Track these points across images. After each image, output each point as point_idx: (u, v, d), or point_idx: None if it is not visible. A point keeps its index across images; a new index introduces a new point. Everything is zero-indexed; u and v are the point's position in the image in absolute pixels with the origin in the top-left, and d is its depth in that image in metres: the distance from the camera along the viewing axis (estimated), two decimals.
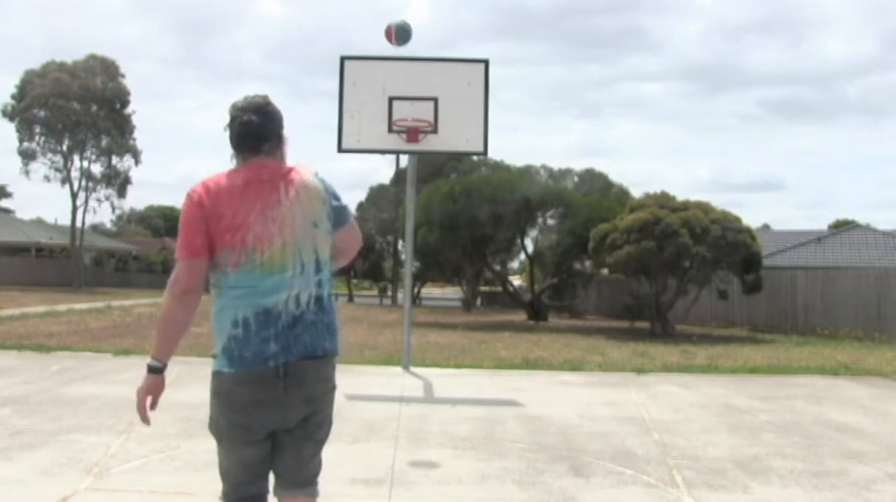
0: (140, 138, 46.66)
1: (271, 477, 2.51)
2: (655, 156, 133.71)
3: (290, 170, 2.43)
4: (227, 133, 2.45)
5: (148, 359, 2.40)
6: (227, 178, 2.38)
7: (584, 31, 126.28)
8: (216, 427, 2.43)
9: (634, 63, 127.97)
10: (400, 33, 8.95)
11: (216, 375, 2.38)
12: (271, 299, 2.31)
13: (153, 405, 2.39)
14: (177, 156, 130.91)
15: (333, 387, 2.51)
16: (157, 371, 2.37)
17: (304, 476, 2.47)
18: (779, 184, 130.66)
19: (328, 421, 2.51)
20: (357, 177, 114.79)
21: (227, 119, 2.46)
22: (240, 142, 2.43)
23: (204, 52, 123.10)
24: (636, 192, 30.12)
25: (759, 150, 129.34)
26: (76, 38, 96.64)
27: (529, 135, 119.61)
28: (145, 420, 2.39)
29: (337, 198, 2.50)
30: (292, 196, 2.37)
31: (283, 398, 2.33)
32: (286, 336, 2.32)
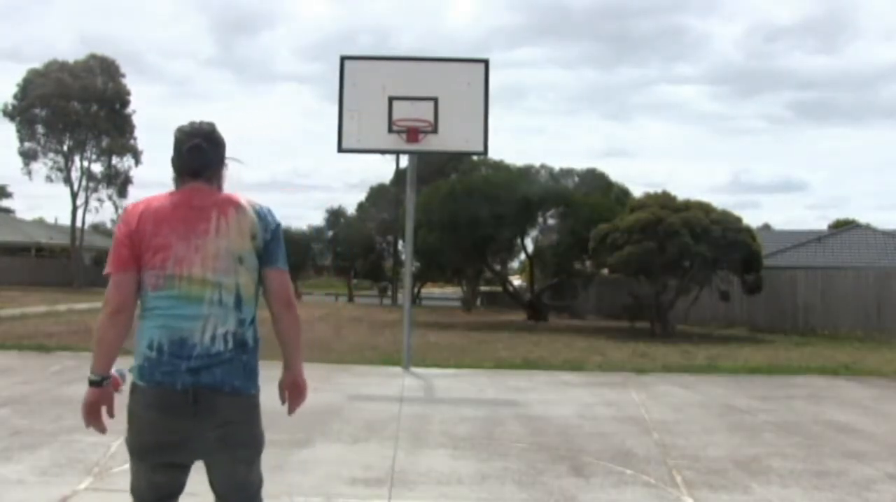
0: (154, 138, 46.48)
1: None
2: (680, 157, 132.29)
3: (227, 200, 2.41)
4: (172, 157, 2.46)
5: (88, 374, 2.38)
6: (159, 200, 2.40)
7: (619, 34, 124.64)
8: (130, 445, 2.43)
9: (666, 66, 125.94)
10: None
11: (134, 390, 2.38)
12: (187, 327, 2.31)
13: (109, 412, 2.40)
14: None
15: (253, 408, 2.43)
16: (96, 384, 2.36)
17: (242, 495, 2.48)
18: (801, 185, 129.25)
19: (255, 440, 2.45)
20: (363, 176, 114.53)
21: (174, 139, 2.47)
22: (184, 167, 2.43)
23: (234, 53, 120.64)
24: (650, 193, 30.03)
25: (784, 152, 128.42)
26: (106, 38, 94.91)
27: (554, 137, 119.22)
28: (99, 428, 2.40)
29: (273, 235, 2.43)
30: (222, 228, 2.35)
31: (194, 422, 2.31)
32: (198, 366, 2.30)
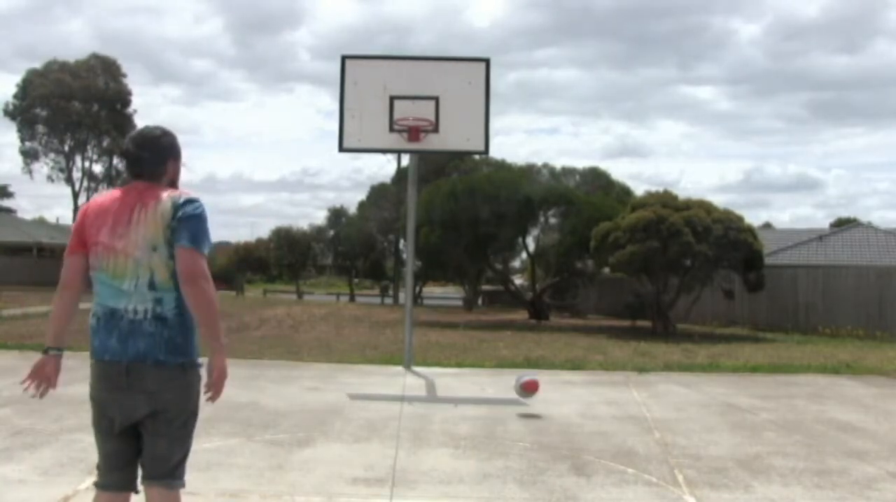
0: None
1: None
2: (693, 157, 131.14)
3: (152, 194, 2.69)
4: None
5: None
6: (103, 197, 2.82)
7: (639, 34, 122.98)
8: (92, 420, 2.76)
9: (684, 66, 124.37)
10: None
11: (90, 370, 2.74)
12: (114, 303, 2.67)
13: (52, 380, 2.75)
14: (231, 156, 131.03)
15: (178, 378, 2.66)
16: (45, 352, 2.76)
17: (161, 469, 2.68)
18: (813, 184, 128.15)
19: (181, 418, 2.69)
20: (373, 175, 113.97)
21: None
22: (125, 169, 2.86)
23: (254, 53, 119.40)
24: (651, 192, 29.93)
25: (798, 152, 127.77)
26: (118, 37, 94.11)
27: (568, 137, 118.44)
28: (35, 389, 2.72)
29: (182, 219, 2.63)
30: (140, 220, 2.66)
31: (128, 392, 2.62)
32: (125, 337, 2.64)
